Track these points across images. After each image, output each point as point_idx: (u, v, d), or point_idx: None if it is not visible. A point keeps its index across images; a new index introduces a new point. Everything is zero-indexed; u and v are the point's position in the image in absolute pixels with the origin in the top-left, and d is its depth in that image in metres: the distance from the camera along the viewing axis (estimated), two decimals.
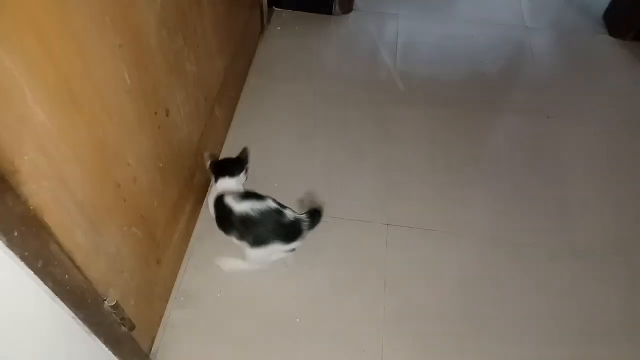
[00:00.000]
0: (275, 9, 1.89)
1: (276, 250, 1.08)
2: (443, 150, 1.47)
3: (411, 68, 1.72)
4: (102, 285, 0.76)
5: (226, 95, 1.41)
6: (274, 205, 1.06)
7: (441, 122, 1.55)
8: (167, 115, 0.97)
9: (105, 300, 0.76)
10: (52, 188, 0.61)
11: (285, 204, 1.09)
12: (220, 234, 1.12)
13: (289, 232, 1.06)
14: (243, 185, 1.19)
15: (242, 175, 1.17)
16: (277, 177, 1.36)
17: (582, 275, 1.22)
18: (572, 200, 1.37)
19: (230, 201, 1.07)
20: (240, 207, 1.05)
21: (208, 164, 1.19)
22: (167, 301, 1.12)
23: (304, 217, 1.08)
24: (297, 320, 1.11)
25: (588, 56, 1.82)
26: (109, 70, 0.72)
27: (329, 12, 1.89)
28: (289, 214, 1.06)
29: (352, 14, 1.92)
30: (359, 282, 1.18)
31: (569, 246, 1.27)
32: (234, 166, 1.17)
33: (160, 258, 1.04)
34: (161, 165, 0.97)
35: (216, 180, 1.16)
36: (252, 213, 1.04)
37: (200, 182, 1.27)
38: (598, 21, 1.94)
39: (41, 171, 0.58)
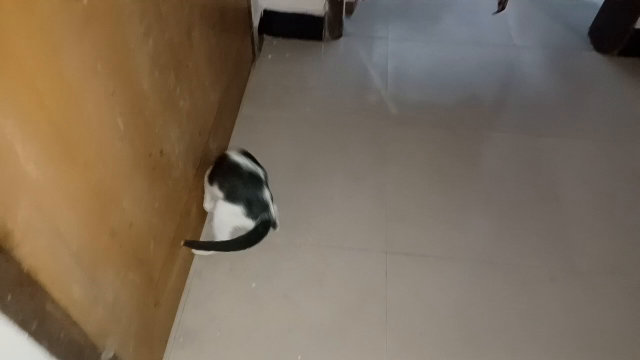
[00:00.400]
0: (266, 36, 1.90)
1: (238, 215, 1.12)
2: (438, 173, 1.47)
3: (402, 91, 1.73)
4: (100, 337, 0.74)
5: (220, 126, 1.40)
6: (261, 176, 1.15)
7: (435, 144, 1.56)
8: (161, 154, 0.96)
9: (102, 353, 0.74)
10: (46, 244, 0.59)
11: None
12: (217, 267, 1.11)
13: (255, 208, 1.12)
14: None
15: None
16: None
17: (582, 296, 1.21)
18: (569, 218, 1.37)
19: (230, 152, 1.19)
20: (237, 157, 1.16)
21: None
22: (166, 342, 1.10)
23: (272, 215, 1.14)
24: (299, 357, 1.09)
25: (576, 72, 1.84)
26: (102, 117, 0.72)
27: (319, 38, 1.90)
28: (266, 195, 1.13)
29: (341, 39, 1.93)
30: (360, 313, 1.16)
31: (567, 266, 1.26)
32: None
33: (158, 299, 1.02)
34: (157, 205, 0.96)
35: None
36: (242, 166, 1.15)
37: (196, 216, 1.26)
38: (584, 37, 1.97)
39: (35, 228, 0.57)
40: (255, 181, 1.14)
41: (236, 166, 1.14)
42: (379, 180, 1.44)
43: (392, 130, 1.59)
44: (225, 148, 1.49)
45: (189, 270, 1.22)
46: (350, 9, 2.01)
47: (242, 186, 1.13)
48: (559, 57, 1.91)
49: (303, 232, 1.31)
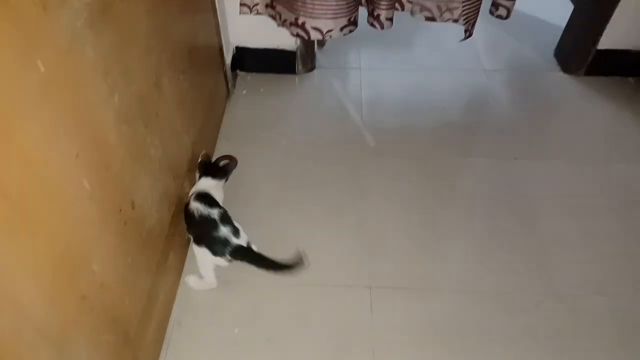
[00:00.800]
0: (240, 72, 1.91)
1: (207, 255, 1.17)
2: (417, 202, 1.47)
3: (378, 121, 1.75)
4: None
5: (195, 168, 1.39)
6: (214, 217, 1.17)
7: (412, 172, 1.56)
8: (133, 207, 0.94)
9: None
10: (6, 324, 0.57)
11: (237, 226, 1.19)
12: (197, 314, 1.08)
13: (217, 247, 1.15)
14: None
15: (222, 180, 1.34)
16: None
17: (568, 320, 1.21)
18: (548, 241, 1.38)
19: (191, 196, 1.22)
20: (192, 204, 1.19)
21: (199, 160, 1.37)
22: None
23: (237, 243, 1.16)
24: None
25: (545, 94, 1.89)
26: (65, 182, 0.70)
27: (293, 72, 1.92)
28: (223, 231, 1.15)
29: (315, 71, 1.95)
30: (347, 354, 1.14)
31: (551, 291, 1.27)
32: (217, 171, 1.34)
33: (136, 356, 0.99)
34: (130, 260, 0.94)
35: (199, 178, 1.33)
36: (195, 213, 1.18)
37: (174, 261, 1.23)
38: (550, 59, 2.02)
39: None
40: (209, 223, 1.17)
41: (191, 215, 1.19)
42: (359, 213, 1.44)
43: (370, 161, 1.60)
44: None
45: (168, 320, 1.19)
46: (322, 42, 2.04)
47: (200, 231, 1.19)
48: (527, 79, 1.95)
49: (285, 277, 1.29)
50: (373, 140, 1.67)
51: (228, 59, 1.77)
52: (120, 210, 0.88)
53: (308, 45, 1.87)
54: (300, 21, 1.48)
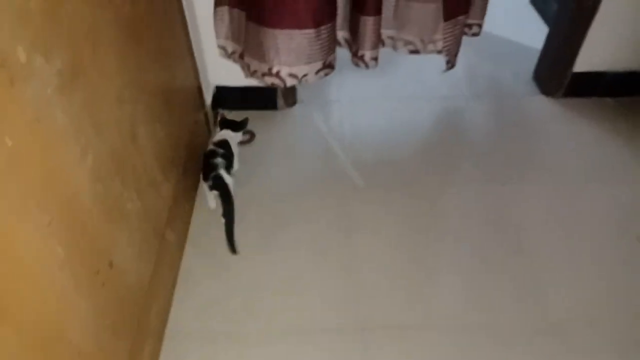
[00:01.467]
0: (220, 110, 1.90)
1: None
2: (405, 236, 1.46)
3: (361, 154, 1.74)
4: None
5: (178, 214, 1.36)
6: (218, 150, 1.48)
7: (399, 206, 1.55)
8: (111, 267, 0.91)
9: None
10: None
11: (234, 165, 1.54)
12: None
13: (206, 170, 1.45)
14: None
15: (239, 133, 1.64)
16: (239, 294, 1.30)
17: (561, 348, 1.19)
18: (537, 268, 1.37)
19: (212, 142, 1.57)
20: (210, 147, 1.52)
21: (219, 118, 1.66)
22: None
23: (219, 173, 1.42)
24: None
25: (526, 117, 1.90)
26: (38, 253, 0.67)
27: (274, 107, 1.92)
28: (217, 161, 1.45)
29: (296, 106, 1.95)
30: None
31: (544, 319, 1.25)
32: (235, 124, 1.63)
33: None
34: (108, 322, 0.90)
35: (220, 130, 1.62)
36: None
37: (157, 313, 1.19)
38: (530, 82, 2.05)
39: None
40: (211, 153, 1.48)
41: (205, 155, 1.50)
42: (346, 252, 1.41)
43: (354, 196, 1.58)
44: (186, 235, 1.44)
45: None
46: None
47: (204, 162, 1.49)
48: (508, 103, 1.97)
49: (274, 318, 1.25)
50: (357, 174, 1.66)
51: (208, 99, 1.77)
52: (98, 272, 0.85)
53: None
54: (274, 70, 1.47)
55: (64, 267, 0.74)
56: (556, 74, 1.92)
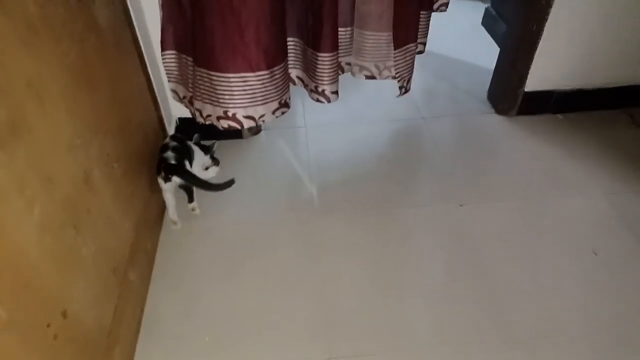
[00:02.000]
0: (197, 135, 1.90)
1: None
2: (370, 261, 1.48)
3: (325, 178, 1.77)
4: None
5: (139, 252, 1.35)
6: (169, 143, 1.53)
7: (363, 228, 1.58)
8: (65, 316, 0.90)
9: None
10: None
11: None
12: None
13: (159, 165, 1.47)
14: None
15: (208, 157, 1.72)
16: (207, 328, 1.30)
17: None
18: (499, 286, 1.40)
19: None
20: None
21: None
22: None
23: (170, 162, 1.47)
24: None
25: (482, 136, 1.97)
26: None
27: (239, 137, 1.93)
28: (167, 154, 1.48)
29: (262, 134, 1.98)
30: None
31: (509, 337, 1.28)
32: (204, 148, 1.72)
33: None
34: None
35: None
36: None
37: (120, 354, 1.17)
38: (484, 102, 2.13)
39: None
40: (162, 147, 1.54)
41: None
42: (312, 279, 1.43)
43: (319, 222, 1.60)
44: (150, 273, 1.43)
45: None
46: (255, 128, 2.06)
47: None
48: (465, 123, 2.04)
49: (244, 354, 1.25)
50: (321, 199, 1.68)
51: (171, 131, 1.77)
52: (49, 325, 0.84)
53: None
54: (230, 113, 1.47)
55: (8, 328, 0.73)
56: (508, 93, 1.99)
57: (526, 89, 1.94)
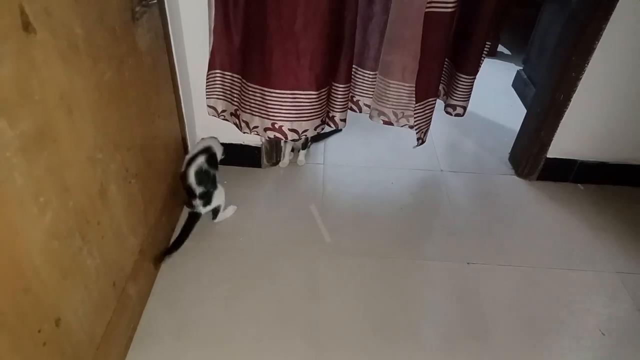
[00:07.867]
0: None
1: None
2: (370, 308, 1.46)
3: (337, 218, 1.77)
4: None
5: (143, 268, 1.37)
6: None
7: (367, 274, 1.56)
8: (58, 325, 0.91)
9: None
10: None
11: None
12: None
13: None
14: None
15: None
16: (197, 353, 1.29)
17: None
18: (501, 355, 1.36)
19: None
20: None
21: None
22: None
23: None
24: None
25: (499, 197, 1.95)
26: None
27: (258, 166, 1.97)
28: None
29: (280, 165, 2.00)
30: None
31: None
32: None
33: None
34: None
35: None
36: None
37: None
38: (505, 162, 2.12)
39: None
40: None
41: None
42: (310, 317, 1.41)
43: (325, 260, 1.60)
44: (150, 289, 1.44)
45: None
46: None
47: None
48: (483, 181, 2.03)
49: None
50: (331, 237, 1.68)
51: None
52: (40, 331, 0.85)
53: (273, 142, 1.94)
54: (277, 125, 1.60)
55: (1, 327, 0.74)
56: (531, 157, 1.98)
57: (549, 155, 1.93)
